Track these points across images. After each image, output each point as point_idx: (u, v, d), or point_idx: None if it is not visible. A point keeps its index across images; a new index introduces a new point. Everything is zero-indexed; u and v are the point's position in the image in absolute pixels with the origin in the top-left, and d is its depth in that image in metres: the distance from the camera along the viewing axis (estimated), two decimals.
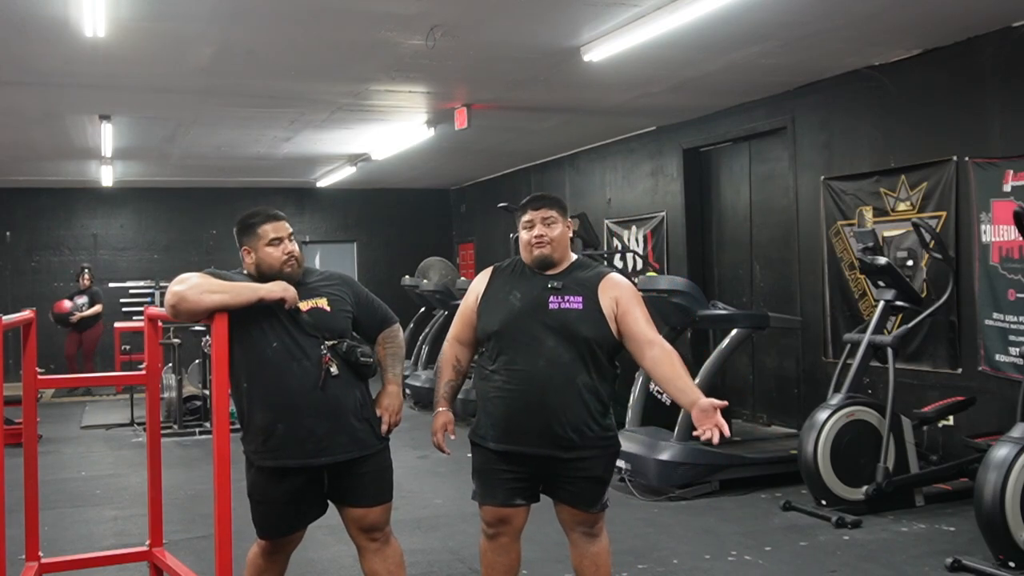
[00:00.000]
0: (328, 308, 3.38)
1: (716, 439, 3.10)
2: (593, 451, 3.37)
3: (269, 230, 3.36)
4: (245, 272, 3.44)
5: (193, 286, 3.13)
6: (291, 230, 3.43)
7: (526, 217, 3.48)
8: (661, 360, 3.32)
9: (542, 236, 3.43)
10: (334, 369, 3.29)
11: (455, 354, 3.60)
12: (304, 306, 3.33)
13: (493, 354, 3.44)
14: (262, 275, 3.36)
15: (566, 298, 3.38)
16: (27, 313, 4.01)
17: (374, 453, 3.40)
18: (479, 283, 3.59)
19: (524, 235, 3.48)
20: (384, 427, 3.45)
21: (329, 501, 3.45)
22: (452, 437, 3.54)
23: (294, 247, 3.40)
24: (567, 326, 3.35)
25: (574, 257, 3.54)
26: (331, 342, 3.32)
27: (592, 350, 3.35)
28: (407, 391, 10.52)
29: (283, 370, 3.26)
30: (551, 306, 3.38)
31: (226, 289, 3.16)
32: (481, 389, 3.50)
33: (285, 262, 3.35)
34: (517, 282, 3.49)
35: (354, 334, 3.48)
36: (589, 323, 3.35)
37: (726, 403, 3.20)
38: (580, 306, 3.37)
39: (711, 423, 3.12)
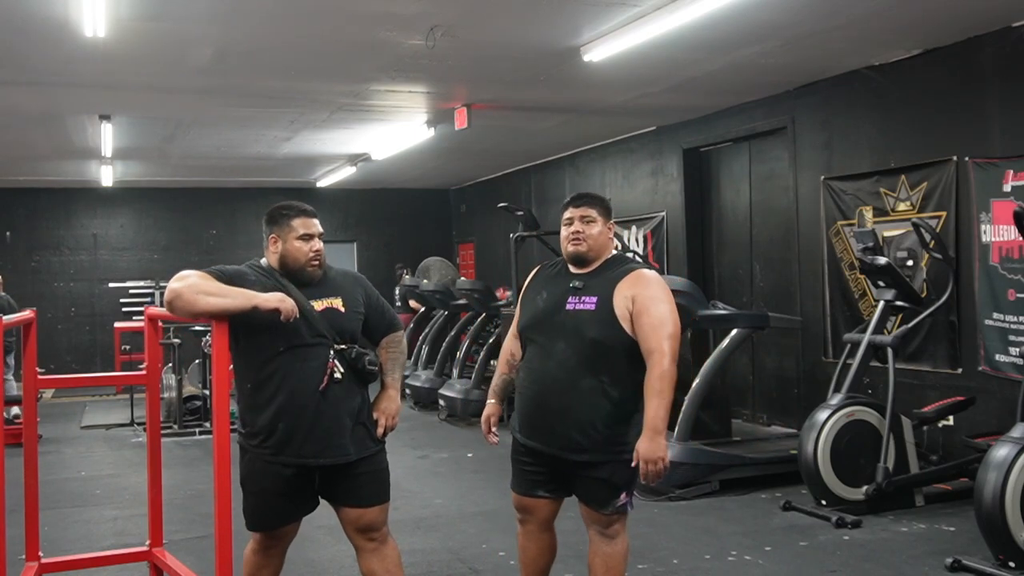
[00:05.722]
0: (342, 309, 3.39)
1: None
2: (603, 455, 3.37)
3: (302, 224, 3.37)
4: (264, 262, 3.42)
5: (190, 286, 3.12)
6: (321, 230, 3.45)
7: (567, 214, 3.55)
8: (647, 377, 3.28)
9: (579, 232, 3.48)
10: (338, 374, 3.30)
11: (511, 348, 3.68)
12: (319, 305, 3.34)
13: (523, 351, 3.60)
14: (284, 267, 3.36)
15: (582, 298, 3.42)
16: (27, 313, 4.02)
17: (369, 455, 3.40)
18: (527, 281, 3.72)
19: (563, 231, 3.55)
20: (380, 430, 3.45)
21: (326, 501, 3.45)
22: (494, 429, 3.66)
23: (321, 247, 3.41)
24: (577, 328, 3.38)
25: (612, 254, 3.57)
26: (340, 347, 3.32)
27: (601, 352, 3.35)
28: (407, 391, 10.53)
29: (288, 371, 3.26)
30: (568, 307, 3.43)
31: (223, 293, 3.14)
32: (516, 383, 3.65)
33: (310, 260, 3.36)
34: (549, 282, 3.58)
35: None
36: (597, 324, 3.36)
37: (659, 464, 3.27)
38: (593, 307, 3.39)
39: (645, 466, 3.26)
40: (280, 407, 3.27)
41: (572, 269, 3.53)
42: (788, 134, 7.81)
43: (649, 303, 3.33)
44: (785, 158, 7.95)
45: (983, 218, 5.97)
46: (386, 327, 3.59)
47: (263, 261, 3.43)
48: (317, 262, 3.37)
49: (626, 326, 3.35)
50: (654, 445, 3.23)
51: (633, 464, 3.28)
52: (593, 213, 3.50)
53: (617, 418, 3.37)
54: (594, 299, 3.39)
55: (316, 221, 3.43)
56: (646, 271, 3.49)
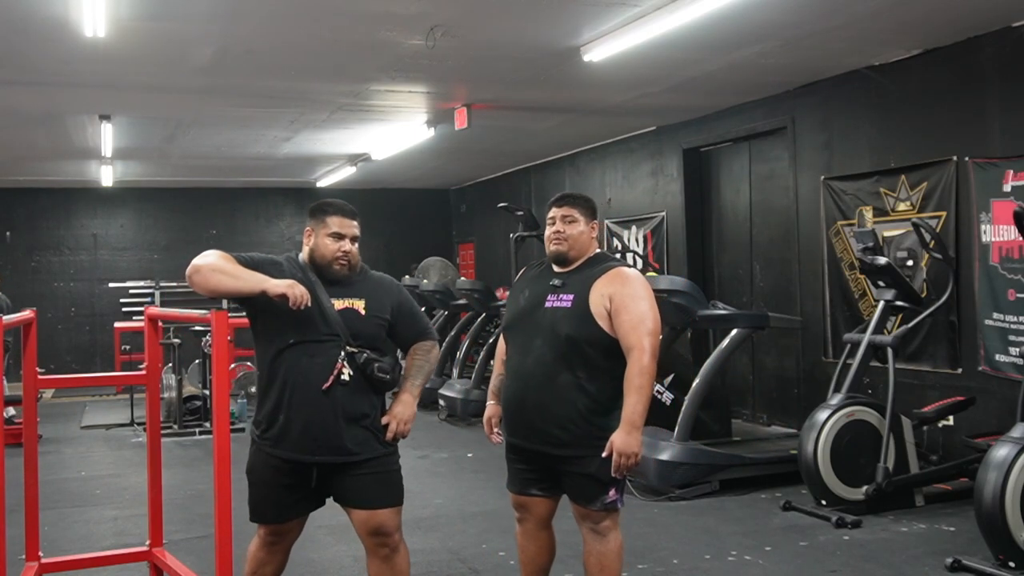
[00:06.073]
0: (363, 312, 3.38)
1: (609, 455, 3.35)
2: (586, 449, 3.41)
3: (337, 223, 3.39)
4: (299, 255, 3.46)
5: (209, 264, 3.22)
6: (357, 233, 3.44)
7: (550, 214, 3.61)
8: (627, 373, 3.35)
9: (559, 232, 3.54)
10: (345, 376, 3.29)
11: (504, 348, 3.74)
12: (339, 304, 3.34)
13: (507, 349, 3.67)
14: (314, 262, 3.40)
15: (560, 296, 3.48)
16: (27, 313, 4.02)
17: (376, 456, 3.37)
18: (514, 281, 3.82)
19: (546, 231, 3.62)
20: (389, 434, 3.41)
21: (339, 504, 3.44)
22: (496, 430, 3.72)
23: (352, 248, 3.41)
24: (553, 325, 3.44)
25: (594, 253, 3.60)
26: (351, 349, 3.31)
27: (576, 348, 3.40)
28: None
29: (294, 364, 3.28)
30: (547, 304, 3.50)
31: (236, 275, 3.21)
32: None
33: (337, 258, 3.37)
34: (532, 281, 3.65)
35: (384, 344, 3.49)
36: (572, 321, 3.41)
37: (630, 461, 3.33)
38: (569, 304, 3.45)
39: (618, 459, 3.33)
40: (281, 399, 3.29)
41: (555, 268, 3.60)
42: (788, 134, 7.80)
43: (628, 300, 3.38)
44: (785, 158, 7.95)
45: (983, 218, 5.97)
46: (416, 335, 3.58)
47: (300, 255, 3.47)
48: (345, 262, 3.38)
49: (602, 323, 3.39)
50: (630, 439, 3.31)
51: (605, 454, 3.33)
52: (575, 213, 3.56)
53: (597, 412, 3.41)
54: (571, 297, 3.45)
55: (354, 223, 3.43)
56: (625, 269, 3.52)
